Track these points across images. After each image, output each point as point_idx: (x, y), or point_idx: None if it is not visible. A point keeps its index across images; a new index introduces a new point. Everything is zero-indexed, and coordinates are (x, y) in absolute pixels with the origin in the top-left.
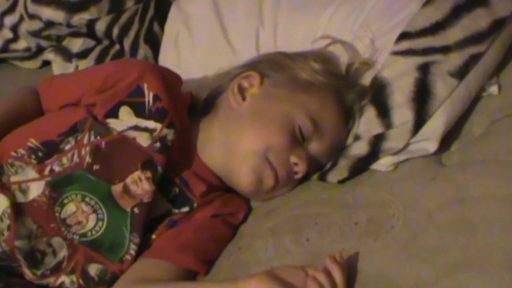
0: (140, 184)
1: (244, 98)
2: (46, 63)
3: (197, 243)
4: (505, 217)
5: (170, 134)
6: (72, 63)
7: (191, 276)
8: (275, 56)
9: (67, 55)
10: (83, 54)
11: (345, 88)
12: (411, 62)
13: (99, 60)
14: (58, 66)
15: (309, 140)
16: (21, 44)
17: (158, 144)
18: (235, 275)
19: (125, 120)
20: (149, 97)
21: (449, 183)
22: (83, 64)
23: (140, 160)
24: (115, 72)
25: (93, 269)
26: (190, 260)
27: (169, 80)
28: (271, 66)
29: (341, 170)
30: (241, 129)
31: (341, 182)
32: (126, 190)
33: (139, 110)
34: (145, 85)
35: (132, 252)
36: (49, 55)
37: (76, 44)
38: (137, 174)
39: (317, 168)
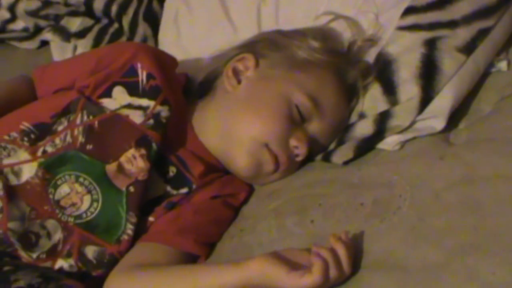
0: (134, 162)
1: (239, 82)
2: (44, 43)
3: (197, 226)
4: None
5: (164, 111)
6: (71, 43)
7: (191, 260)
8: (272, 35)
9: (65, 35)
10: (81, 34)
11: (346, 65)
12: (418, 37)
13: (98, 39)
14: (56, 46)
15: (309, 120)
16: (19, 24)
17: (151, 121)
18: (238, 258)
19: (118, 99)
20: (142, 76)
21: (457, 162)
22: (82, 43)
23: (134, 138)
24: (108, 54)
25: (90, 251)
26: (190, 243)
27: (163, 60)
28: (268, 45)
29: (346, 150)
30: (237, 114)
31: (346, 163)
32: (120, 169)
33: (133, 89)
34: (139, 65)
35: (129, 232)
36: (47, 35)
37: (74, 24)
38: (131, 152)
39: (320, 149)
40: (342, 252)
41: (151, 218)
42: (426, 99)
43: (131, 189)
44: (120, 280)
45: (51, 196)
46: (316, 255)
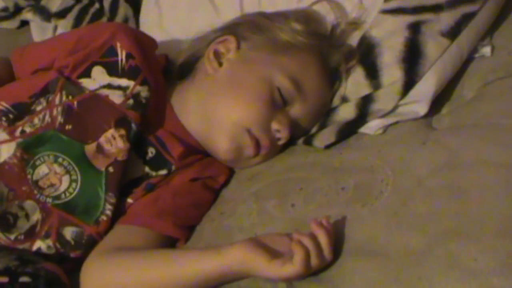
0: (114, 142)
1: (220, 64)
2: (24, 23)
3: (176, 209)
4: (498, 183)
5: (143, 91)
6: (51, 23)
7: (170, 243)
8: (254, 17)
9: (46, 15)
10: (62, 14)
11: (329, 49)
12: (401, 21)
13: (78, 19)
14: (37, 26)
15: (291, 103)
16: None
17: (131, 101)
18: (218, 242)
19: (98, 79)
20: (122, 55)
21: (440, 148)
22: (62, 23)
23: (113, 118)
24: (88, 34)
25: (68, 232)
26: (169, 226)
27: (142, 41)
28: (250, 28)
29: (327, 134)
30: (218, 97)
31: (328, 147)
32: (99, 149)
33: (112, 69)
34: (118, 44)
35: (108, 212)
36: (27, 15)
37: (54, 3)
38: (111, 132)
39: (302, 133)
40: (323, 239)
41: (129, 200)
42: (409, 84)
43: (110, 169)
44: (98, 263)
45: (29, 177)
46: (298, 243)
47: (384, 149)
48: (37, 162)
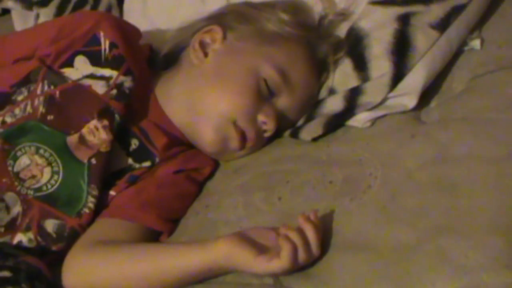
0: (96, 133)
1: (206, 54)
2: (6, 12)
3: (160, 201)
4: (488, 178)
5: (127, 81)
6: (33, 11)
7: (154, 236)
8: (240, 7)
9: (27, 3)
10: (44, 2)
11: (316, 40)
12: (391, 13)
13: (61, 8)
14: (18, 14)
15: (278, 94)
16: None
17: (114, 91)
18: (203, 236)
19: (80, 68)
20: (105, 45)
21: (429, 141)
22: (44, 12)
23: (96, 108)
24: (70, 23)
25: (50, 225)
26: (153, 219)
27: (126, 30)
28: (236, 18)
29: (314, 127)
30: (204, 88)
31: (315, 139)
32: (82, 140)
33: (95, 59)
34: (102, 33)
35: (91, 205)
36: (8, 3)
37: None
38: (93, 123)
39: (288, 125)
40: (311, 233)
41: (112, 192)
42: (398, 76)
43: (93, 161)
44: (80, 256)
45: (10, 168)
46: (285, 238)
47: (373, 142)
48: (18, 153)
